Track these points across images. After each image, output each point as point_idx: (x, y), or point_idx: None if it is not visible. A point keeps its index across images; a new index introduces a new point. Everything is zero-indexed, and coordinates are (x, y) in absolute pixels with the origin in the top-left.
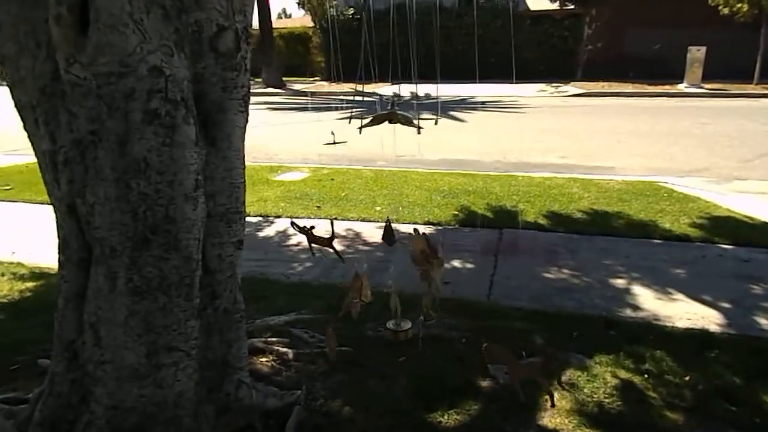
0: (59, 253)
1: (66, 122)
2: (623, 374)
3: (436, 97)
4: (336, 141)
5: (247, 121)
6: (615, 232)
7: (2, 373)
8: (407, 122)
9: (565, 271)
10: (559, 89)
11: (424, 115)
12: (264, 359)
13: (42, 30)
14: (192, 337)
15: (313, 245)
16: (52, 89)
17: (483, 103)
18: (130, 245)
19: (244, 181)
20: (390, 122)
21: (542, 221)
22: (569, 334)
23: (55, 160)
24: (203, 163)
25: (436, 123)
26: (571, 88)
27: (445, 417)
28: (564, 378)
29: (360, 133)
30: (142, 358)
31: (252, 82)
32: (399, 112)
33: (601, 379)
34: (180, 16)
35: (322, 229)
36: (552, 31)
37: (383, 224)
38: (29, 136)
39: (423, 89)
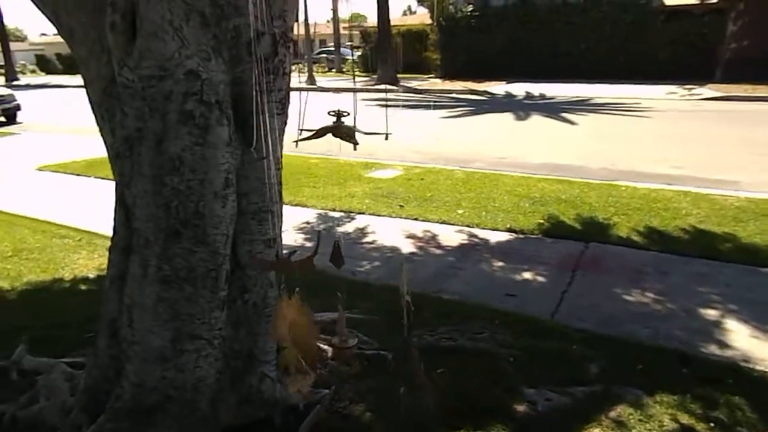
0: (111, 238)
1: (120, 120)
2: (685, 419)
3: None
4: (302, 138)
5: (285, 124)
6: (719, 256)
7: (79, 339)
8: (350, 137)
9: (649, 294)
10: (692, 92)
11: (374, 131)
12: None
13: (105, 36)
14: (216, 327)
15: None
16: (111, 90)
17: (602, 104)
18: (162, 237)
19: (280, 182)
20: (333, 135)
21: (635, 237)
22: (633, 365)
23: (113, 153)
24: (238, 163)
25: (386, 138)
26: (707, 90)
27: None
28: (612, 414)
29: (297, 146)
30: (166, 342)
31: (368, 79)
32: (345, 125)
33: (657, 421)
34: (220, 22)
35: (401, 228)
36: (689, 28)
37: (462, 228)
38: (99, 131)
39: (539, 89)
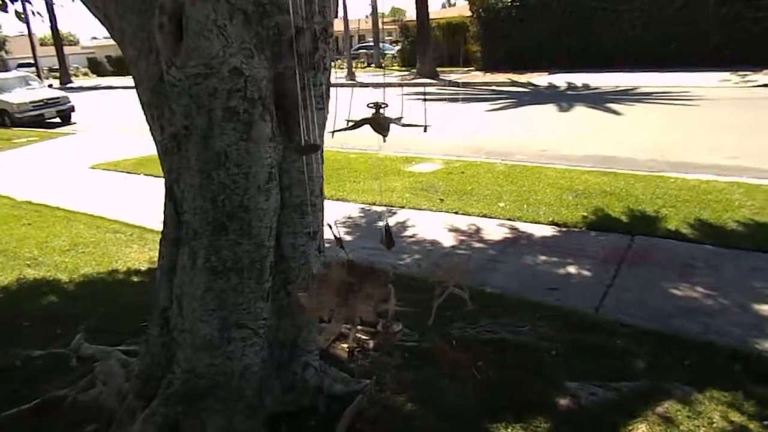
0: (161, 231)
1: (168, 118)
2: (736, 417)
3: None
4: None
5: (325, 119)
6: None
7: (133, 328)
8: (383, 129)
9: (699, 289)
10: (746, 78)
11: (423, 120)
12: (345, 345)
13: (154, 37)
14: (261, 317)
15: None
16: (159, 88)
17: (649, 94)
18: (210, 229)
19: (322, 175)
20: (371, 127)
21: (685, 230)
22: (681, 361)
23: (162, 150)
24: (280, 157)
25: (425, 130)
26: (762, 77)
27: (509, 429)
28: (660, 410)
29: (332, 136)
30: (214, 330)
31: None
32: (381, 116)
33: (706, 417)
34: (261, 20)
35: (441, 222)
36: (742, 12)
37: (503, 221)
38: (150, 128)
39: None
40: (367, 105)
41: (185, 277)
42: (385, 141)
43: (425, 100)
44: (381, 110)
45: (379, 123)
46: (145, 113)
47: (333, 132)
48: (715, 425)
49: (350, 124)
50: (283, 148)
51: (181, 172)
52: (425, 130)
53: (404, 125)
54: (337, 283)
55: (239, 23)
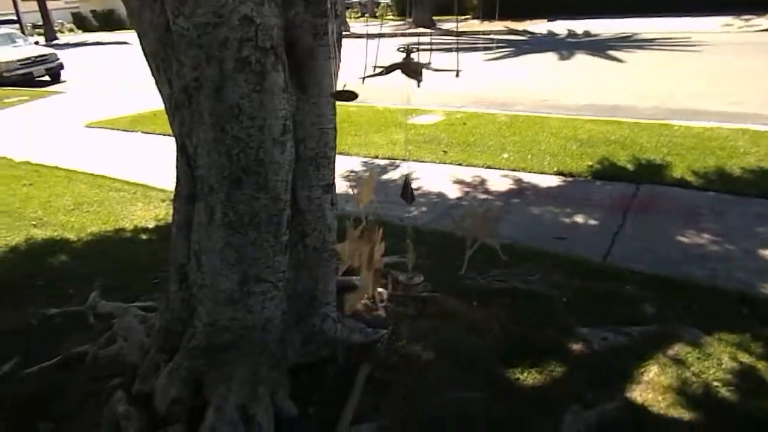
0: (175, 187)
1: (176, 70)
2: (745, 358)
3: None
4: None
5: (338, 68)
6: None
7: (146, 285)
8: (417, 74)
9: (705, 236)
10: (750, 22)
11: (456, 64)
12: (360, 297)
13: None
14: (279, 270)
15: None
16: (166, 39)
17: (650, 40)
18: (226, 184)
19: (335, 127)
20: (402, 72)
21: (690, 178)
22: (690, 306)
23: (171, 104)
24: (293, 109)
25: (457, 75)
26: (767, 21)
27: (525, 375)
28: (670, 352)
29: (363, 83)
30: (235, 285)
31: (402, 23)
32: (414, 61)
33: (716, 359)
34: None
35: (446, 174)
36: None
37: (507, 172)
38: (155, 82)
39: (582, 26)
40: (398, 49)
41: (203, 232)
42: (419, 86)
43: (458, 46)
44: (411, 55)
45: (412, 68)
46: (150, 66)
47: (363, 78)
48: (724, 366)
49: (378, 70)
50: (296, 99)
51: (194, 127)
52: (457, 75)
53: (435, 70)
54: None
55: None
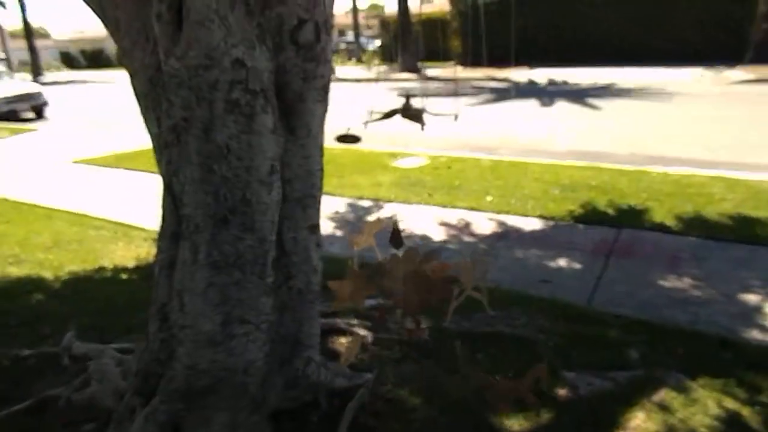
0: (160, 226)
1: (166, 109)
2: (729, 403)
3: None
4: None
5: (326, 111)
6: (758, 241)
7: (124, 326)
8: (418, 118)
9: (686, 280)
10: (721, 75)
11: (447, 110)
12: (343, 340)
13: (150, 26)
14: (263, 312)
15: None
16: (157, 79)
17: (628, 89)
18: (211, 223)
19: (322, 168)
20: (402, 116)
21: (670, 222)
22: (673, 350)
23: (159, 143)
24: (281, 150)
25: (455, 119)
26: (738, 73)
27: (512, 420)
28: (655, 398)
29: (365, 127)
30: (217, 326)
31: (389, 68)
32: (414, 107)
33: (702, 404)
34: (263, 11)
35: (430, 216)
36: (717, 8)
37: (491, 215)
38: (144, 121)
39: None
40: (398, 95)
41: (186, 272)
42: (423, 130)
43: (457, 92)
44: (410, 101)
45: (413, 113)
46: (139, 105)
47: (366, 123)
48: (709, 412)
49: (376, 116)
50: (285, 140)
51: (181, 165)
52: (456, 119)
53: (435, 114)
54: (403, 272)
55: (241, 13)
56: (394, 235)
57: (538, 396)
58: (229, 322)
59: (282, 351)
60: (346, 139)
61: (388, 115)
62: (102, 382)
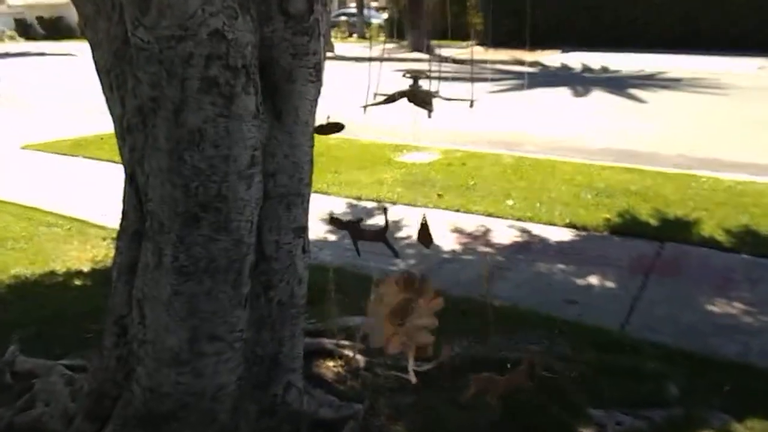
0: (120, 223)
1: (132, 88)
2: None
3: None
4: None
5: (319, 93)
6: None
7: (76, 339)
8: (426, 103)
9: (737, 305)
10: None
11: (463, 95)
12: (330, 363)
13: None
14: (237, 328)
15: (357, 241)
16: (123, 53)
17: (676, 79)
18: (179, 222)
19: (312, 161)
20: (408, 101)
21: (721, 237)
22: (719, 386)
23: (122, 126)
24: (264, 138)
25: (471, 105)
26: None
27: None
28: None
29: (364, 112)
30: (183, 343)
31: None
32: (422, 89)
33: None
34: None
35: (440, 221)
36: None
37: (512, 222)
38: (106, 101)
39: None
40: (404, 75)
41: (148, 278)
42: (430, 117)
43: (473, 75)
44: (419, 82)
45: (420, 97)
46: (102, 82)
47: (365, 107)
48: None
49: (378, 99)
50: (269, 127)
51: (147, 153)
52: (471, 105)
53: (447, 99)
54: (393, 304)
55: None
56: (422, 232)
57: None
58: (197, 338)
59: (258, 374)
60: (324, 129)
61: (393, 98)
62: (49, 403)
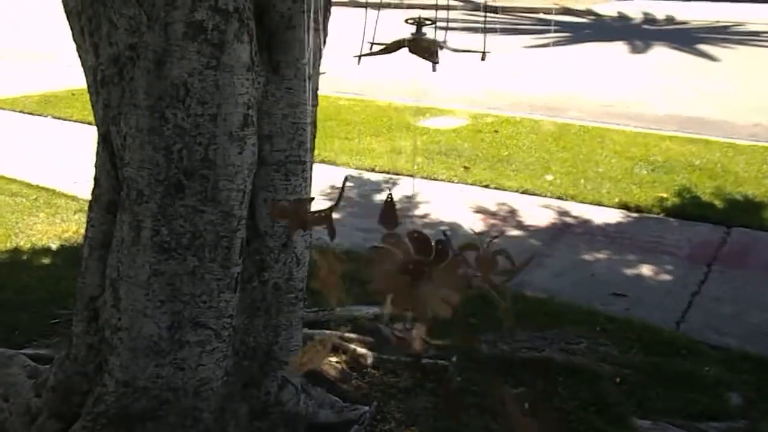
0: (92, 192)
1: (107, 34)
2: None
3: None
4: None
5: (324, 43)
6: None
7: (41, 326)
8: (431, 54)
9: None
10: None
11: (482, 46)
12: (334, 359)
13: None
14: (226, 314)
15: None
16: None
17: (755, 33)
18: (161, 190)
19: (315, 123)
20: (410, 51)
21: None
22: None
23: (95, 79)
24: (260, 95)
25: (483, 58)
26: None
27: None
28: None
29: (358, 63)
30: (162, 330)
31: None
32: (426, 38)
33: None
34: None
35: (465, 198)
36: None
37: (550, 200)
38: (77, 49)
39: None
40: (406, 21)
41: (124, 255)
42: (435, 70)
43: (485, 21)
44: (423, 29)
45: (423, 46)
46: (72, 27)
47: (359, 57)
48: None
49: (375, 47)
50: (265, 82)
51: (123, 110)
52: (483, 58)
53: (454, 50)
54: (401, 261)
55: None
56: (385, 211)
57: None
58: (179, 324)
59: (249, 368)
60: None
61: (391, 48)
62: (8, 398)
